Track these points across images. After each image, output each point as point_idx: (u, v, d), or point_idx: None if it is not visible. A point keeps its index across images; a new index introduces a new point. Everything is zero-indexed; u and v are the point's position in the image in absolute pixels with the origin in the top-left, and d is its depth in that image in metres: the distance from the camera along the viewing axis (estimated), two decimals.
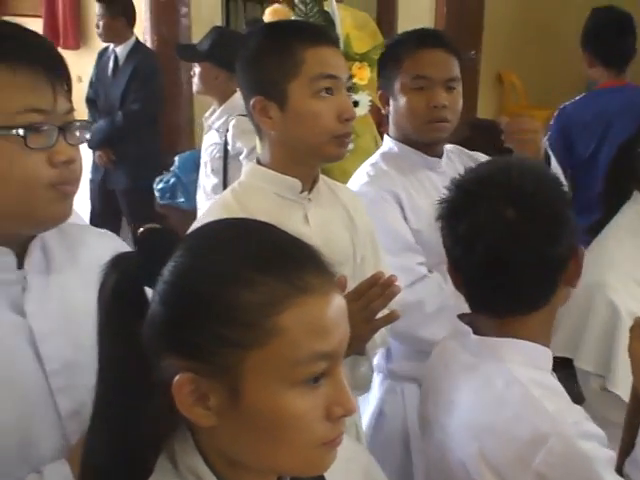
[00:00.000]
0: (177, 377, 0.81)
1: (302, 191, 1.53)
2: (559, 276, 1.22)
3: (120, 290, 0.86)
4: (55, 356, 1.06)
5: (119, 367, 0.86)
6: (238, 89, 2.95)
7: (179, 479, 0.85)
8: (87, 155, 4.31)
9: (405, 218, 1.90)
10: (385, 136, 2.06)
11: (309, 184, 1.55)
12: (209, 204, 1.70)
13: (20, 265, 1.07)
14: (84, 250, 1.16)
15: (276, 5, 2.28)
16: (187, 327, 0.81)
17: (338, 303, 0.84)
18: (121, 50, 4.60)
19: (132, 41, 4.62)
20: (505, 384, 1.18)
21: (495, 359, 1.21)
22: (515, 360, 1.20)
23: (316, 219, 1.53)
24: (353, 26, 2.46)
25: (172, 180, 3.82)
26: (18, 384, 1.03)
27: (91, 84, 4.77)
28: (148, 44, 4.72)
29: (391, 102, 1.98)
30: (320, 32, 1.54)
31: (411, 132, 1.95)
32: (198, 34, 4.94)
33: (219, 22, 5.27)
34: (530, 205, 1.18)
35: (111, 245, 1.15)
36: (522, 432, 1.13)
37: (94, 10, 5.47)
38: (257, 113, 1.50)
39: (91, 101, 4.71)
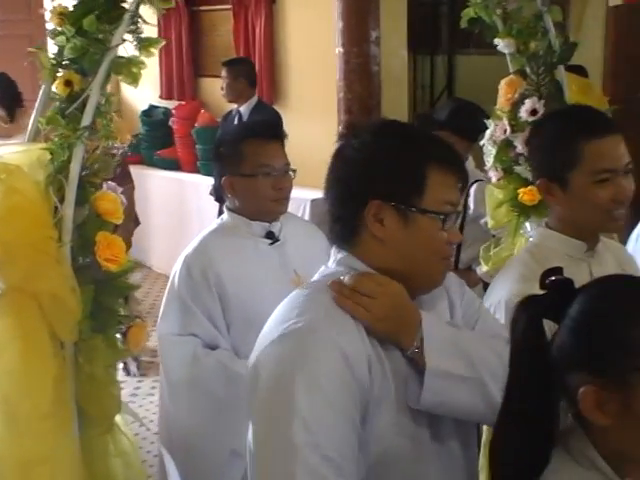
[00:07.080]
0: (583, 389, 1.03)
1: (587, 250, 1.74)
2: None
3: (531, 325, 1.09)
4: None
5: (527, 382, 1.10)
6: (470, 157, 3.12)
7: (580, 467, 1.07)
8: None
9: None
10: None
11: (592, 245, 1.76)
12: (508, 264, 1.87)
13: None
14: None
15: (512, 76, 2.36)
16: (597, 354, 1.03)
17: None
18: (245, 109, 4.88)
19: (254, 100, 4.91)
20: None
21: None
22: None
23: (598, 273, 1.66)
24: (578, 92, 2.50)
25: None
26: None
27: None
28: (342, 101, 4.96)
29: None
30: (602, 123, 1.69)
31: None
32: (388, 91, 5.18)
33: (407, 79, 5.50)
34: None
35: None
36: None
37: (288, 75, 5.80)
38: (543, 192, 1.75)
39: None
